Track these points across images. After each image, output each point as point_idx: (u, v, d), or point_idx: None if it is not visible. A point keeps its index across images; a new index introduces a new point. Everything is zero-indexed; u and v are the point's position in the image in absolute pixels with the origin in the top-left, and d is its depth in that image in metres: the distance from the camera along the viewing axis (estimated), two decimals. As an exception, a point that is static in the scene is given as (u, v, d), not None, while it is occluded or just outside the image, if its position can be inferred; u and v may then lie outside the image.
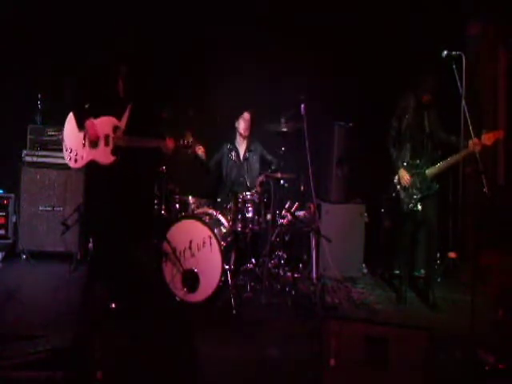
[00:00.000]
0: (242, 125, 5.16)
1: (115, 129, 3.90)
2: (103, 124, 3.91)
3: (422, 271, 4.87)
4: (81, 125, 3.89)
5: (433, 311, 4.28)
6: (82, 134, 3.91)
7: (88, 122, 3.85)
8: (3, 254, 5.11)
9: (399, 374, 2.57)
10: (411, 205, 4.34)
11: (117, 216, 4.02)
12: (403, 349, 2.57)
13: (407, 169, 4.37)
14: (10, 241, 5.17)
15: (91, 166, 3.96)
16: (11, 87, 5.39)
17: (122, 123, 3.92)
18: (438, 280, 5.04)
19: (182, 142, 4.03)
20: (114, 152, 3.89)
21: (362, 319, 3.75)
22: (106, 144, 3.88)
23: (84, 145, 3.91)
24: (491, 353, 3.07)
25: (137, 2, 5.52)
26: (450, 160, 4.19)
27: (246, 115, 5.14)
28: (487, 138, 3.94)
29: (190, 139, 4.58)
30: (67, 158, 3.98)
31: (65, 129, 4.04)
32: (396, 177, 4.41)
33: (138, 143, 3.93)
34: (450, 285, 5.00)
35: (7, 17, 5.31)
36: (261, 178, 4.96)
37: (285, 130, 4.60)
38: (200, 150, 4.90)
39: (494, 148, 4.57)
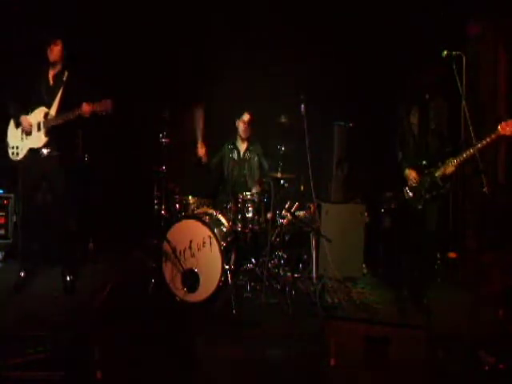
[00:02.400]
0: (241, 126, 5.17)
1: (46, 115, 4.27)
2: (35, 115, 4.30)
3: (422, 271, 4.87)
4: (17, 122, 4.35)
5: (428, 314, 4.26)
6: (20, 130, 4.34)
7: (22, 117, 4.29)
8: (3, 253, 5.11)
9: (399, 374, 2.57)
10: (420, 206, 4.25)
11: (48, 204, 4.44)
12: (403, 349, 2.57)
13: (414, 169, 4.26)
14: (9, 241, 5.17)
15: (28, 156, 4.31)
16: (11, 87, 5.39)
17: (53, 110, 4.28)
18: (438, 280, 5.05)
19: (98, 104, 4.13)
20: (45, 134, 4.27)
21: (362, 319, 3.75)
22: (38, 130, 4.28)
23: (22, 138, 4.34)
24: (491, 353, 3.07)
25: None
26: (474, 148, 3.87)
27: (246, 116, 5.15)
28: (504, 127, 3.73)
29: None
30: (11, 154, 4.38)
31: (8, 132, 4.43)
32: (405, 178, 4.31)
33: (63, 119, 4.23)
34: (449, 285, 5.00)
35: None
36: (259, 181, 4.99)
37: (283, 120, 4.59)
38: (202, 150, 4.93)
39: (494, 147, 4.57)
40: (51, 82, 4.35)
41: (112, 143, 5.74)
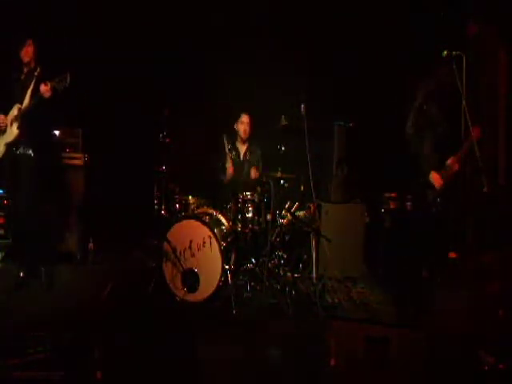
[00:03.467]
0: (241, 128, 5.17)
1: (19, 110, 4.34)
2: (11, 113, 4.38)
3: (423, 271, 4.87)
4: None
5: (432, 311, 4.27)
6: None
7: None
8: (3, 254, 5.11)
9: (399, 374, 2.57)
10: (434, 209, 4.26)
11: (35, 204, 4.38)
12: (403, 349, 2.57)
13: (437, 170, 4.23)
14: (9, 241, 5.17)
15: (5, 153, 4.39)
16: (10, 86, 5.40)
17: (25, 103, 4.33)
18: (438, 280, 5.04)
19: (55, 80, 4.14)
20: (17, 127, 4.33)
21: (362, 319, 3.75)
22: (11, 124, 4.37)
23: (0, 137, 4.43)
24: (491, 353, 3.07)
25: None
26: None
27: (245, 118, 5.15)
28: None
29: None
30: None
31: None
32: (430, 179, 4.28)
33: (28, 104, 4.28)
34: (449, 285, 4.99)
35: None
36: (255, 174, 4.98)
37: (285, 123, 4.60)
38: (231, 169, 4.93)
39: (494, 147, 4.56)
40: (23, 77, 4.43)
41: (112, 143, 5.74)
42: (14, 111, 4.35)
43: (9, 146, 4.36)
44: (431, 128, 4.28)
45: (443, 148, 4.25)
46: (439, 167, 4.27)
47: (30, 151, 4.33)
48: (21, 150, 4.32)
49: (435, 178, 4.27)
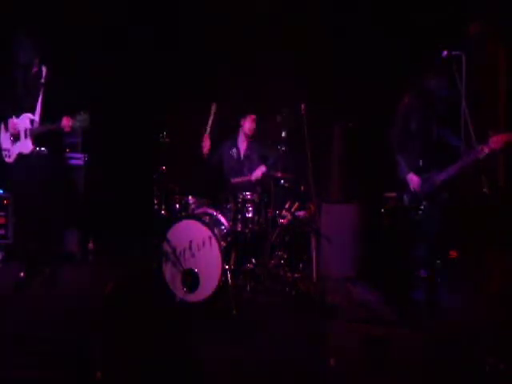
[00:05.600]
0: (248, 125, 5.15)
1: (32, 122, 4.33)
2: (23, 120, 4.35)
3: (422, 271, 4.86)
4: (6, 126, 4.44)
5: (433, 311, 4.27)
6: (9, 133, 4.42)
7: (9, 121, 4.37)
8: (3, 254, 5.11)
9: (399, 374, 2.57)
10: (419, 214, 4.18)
11: (42, 204, 4.40)
12: (403, 349, 2.57)
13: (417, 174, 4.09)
14: (9, 241, 5.17)
15: (18, 160, 4.39)
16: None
17: (37, 116, 4.33)
18: (438, 280, 5.04)
19: (77, 120, 4.16)
20: (32, 142, 4.32)
21: (362, 319, 3.75)
22: (25, 136, 4.34)
23: (12, 142, 4.41)
24: (491, 353, 3.07)
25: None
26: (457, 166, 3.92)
27: (252, 117, 5.13)
28: (495, 141, 3.64)
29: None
30: (4, 156, 4.48)
31: (0, 133, 4.52)
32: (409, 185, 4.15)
33: (45, 129, 4.30)
34: (450, 285, 4.99)
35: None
36: (261, 171, 4.96)
37: (285, 123, 4.60)
38: (207, 144, 4.94)
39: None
40: (29, 84, 4.35)
41: (112, 143, 5.75)
42: (26, 121, 4.30)
43: (22, 156, 4.34)
44: (422, 133, 4.18)
45: (432, 157, 4.13)
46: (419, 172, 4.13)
47: (46, 151, 4.33)
48: (36, 151, 4.31)
49: (413, 180, 4.11)
